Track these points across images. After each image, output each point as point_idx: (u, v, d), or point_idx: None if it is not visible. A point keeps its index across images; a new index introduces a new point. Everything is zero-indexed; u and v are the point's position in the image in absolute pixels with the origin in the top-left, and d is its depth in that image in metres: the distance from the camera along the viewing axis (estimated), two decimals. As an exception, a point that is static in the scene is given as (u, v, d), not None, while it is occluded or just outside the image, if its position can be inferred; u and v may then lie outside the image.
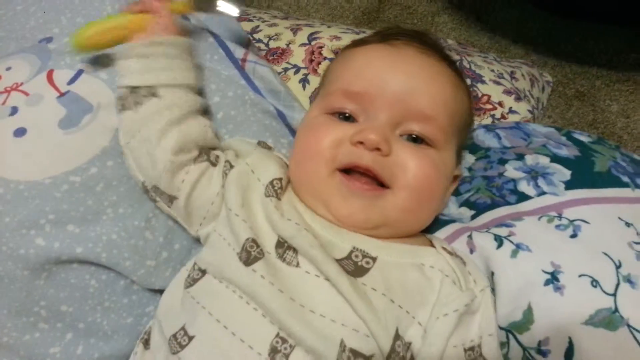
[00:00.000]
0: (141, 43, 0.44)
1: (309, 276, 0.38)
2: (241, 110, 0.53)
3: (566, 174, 0.47)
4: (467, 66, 0.68)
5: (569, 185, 0.46)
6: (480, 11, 1.13)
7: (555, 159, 0.49)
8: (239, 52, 0.56)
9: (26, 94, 0.48)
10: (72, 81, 0.49)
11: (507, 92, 0.66)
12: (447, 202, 0.48)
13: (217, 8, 0.52)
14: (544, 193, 0.45)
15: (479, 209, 0.47)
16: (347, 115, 0.43)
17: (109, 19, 0.47)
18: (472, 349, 0.38)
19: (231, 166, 0.45)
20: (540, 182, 0.46)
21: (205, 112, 0.49)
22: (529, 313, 0.41)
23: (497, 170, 0.49)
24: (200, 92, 0.49)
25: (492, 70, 0.69)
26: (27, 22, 0.56)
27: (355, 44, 0.49)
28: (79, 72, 0.49)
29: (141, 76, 0.44)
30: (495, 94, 0.65)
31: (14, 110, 0.47)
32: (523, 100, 0.66)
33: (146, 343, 0.44)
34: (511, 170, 0.48)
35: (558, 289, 0.40)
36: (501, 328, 0.41)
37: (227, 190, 0.43)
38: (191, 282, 0.42)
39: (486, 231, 0.43)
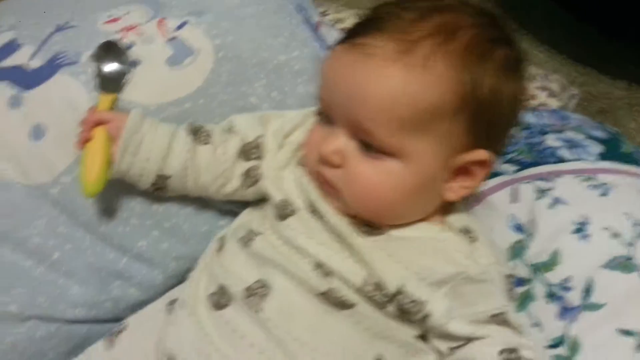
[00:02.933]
0: (117, 164, 0.47)
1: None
2: (314, 65, 0.60)
3: (599, 148, 0.55)
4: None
5: (601, 157, 0.54)
6: (521, 28, 1.21)
7: (590, 137, 0.57)
8: (314, 18, 0.64)
9: (141, 34, 0.55)
10: (178, 28, 0.56)
11: (541, 89, 0.74)
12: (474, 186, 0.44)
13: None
14: (580, 159, 0.53)
15: (522, 165, 0.54)
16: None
17: (86, 156, 0.47)
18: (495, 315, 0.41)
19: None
20: (577, 150, 0.54)
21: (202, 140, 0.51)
22: (555, 256, 0.48)
23: (538, 139, 0.57)
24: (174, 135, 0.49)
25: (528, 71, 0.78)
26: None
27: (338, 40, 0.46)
28: (184, 23, 0.56)
29: (141, 181, 0.49)
30: (530, 88, 0.73)
31: (130, 45, 0.54)
32: (555, 98, 0.74)
33: (220, 249, 0.51)
34: (551, 140, 0.56)
35: (584, 237, 0.48)
36: (528, 266, 0.49)
37: (264, 164, 0.49)
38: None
39: (528, 182, 0.51)
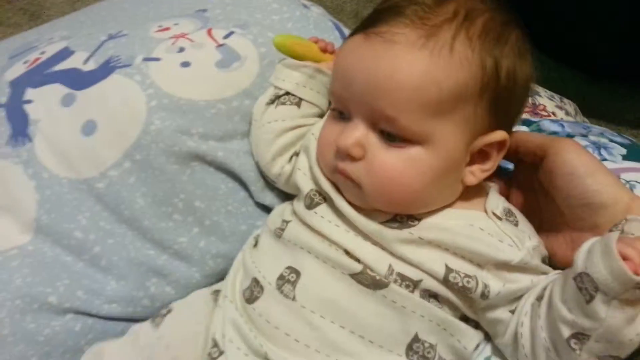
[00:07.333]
0: (315, 66, 0.53)
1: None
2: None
3: (622, 150, 0.57)
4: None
5: (625, 157, 0.56)
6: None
7: (613, 141, 0.59)
8: (346, 34, 0.69)
9: (191, 40, 0.59)
10: (226, 37, 0.60)
11: (558, 107, 0.78)
12: (492, 168, 0.45)
13: None
14: (605, 159, 0.55)
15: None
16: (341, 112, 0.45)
17: (305, 41, 0.56)
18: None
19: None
20: (602, 151, 0.56)
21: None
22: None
23: (565, 141, 0.59)
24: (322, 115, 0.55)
25: (545, 91, 0.82)
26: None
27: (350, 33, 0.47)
28: (231, 32, 0.60)
29: (300, 88, 0.53)
30: (550, 106, 0.77)
31: (181, 49, 0.58)
32: (571, 117, 0.78)
33: (255, 244, 0.52)
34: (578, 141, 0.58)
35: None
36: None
37: (299, 158, 0.51)
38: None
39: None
